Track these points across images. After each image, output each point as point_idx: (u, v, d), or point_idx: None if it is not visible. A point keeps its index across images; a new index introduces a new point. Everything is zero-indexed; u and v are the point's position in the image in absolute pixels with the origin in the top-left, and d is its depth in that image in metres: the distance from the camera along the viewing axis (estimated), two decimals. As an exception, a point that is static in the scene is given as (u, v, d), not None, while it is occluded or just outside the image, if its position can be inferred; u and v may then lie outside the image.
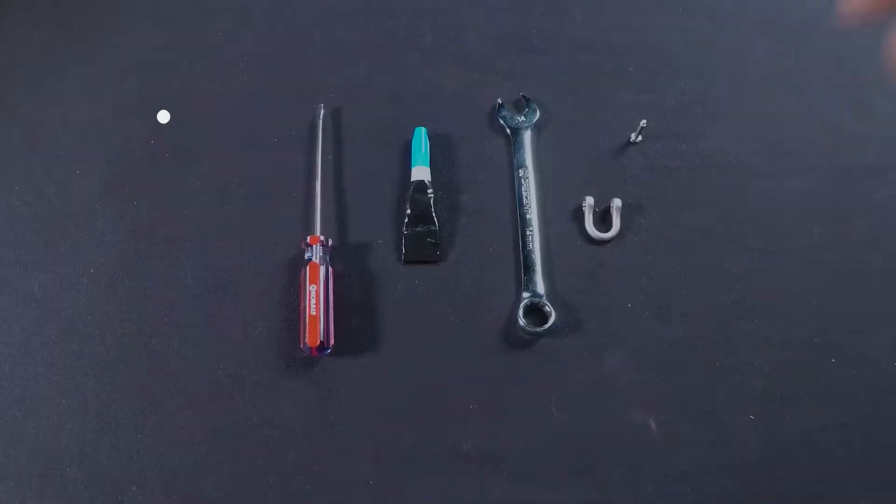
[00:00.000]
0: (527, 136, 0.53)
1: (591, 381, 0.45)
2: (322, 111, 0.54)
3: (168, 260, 0.49)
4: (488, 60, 0.57)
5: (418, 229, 0.49)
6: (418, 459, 0.43)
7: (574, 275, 0.48)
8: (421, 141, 0.52)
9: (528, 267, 0.48)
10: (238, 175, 0.53)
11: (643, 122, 0.51)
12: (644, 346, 0.46)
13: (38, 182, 0.53)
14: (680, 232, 0.50)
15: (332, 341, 0.45)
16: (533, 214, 0.50)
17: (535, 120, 0.54)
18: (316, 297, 0.45)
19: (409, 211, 0.50)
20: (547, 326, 0.46)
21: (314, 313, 0.44)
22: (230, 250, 0.50)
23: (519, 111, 0.54)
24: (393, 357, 0.46)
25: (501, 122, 0.54)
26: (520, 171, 0.52)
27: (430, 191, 0.50)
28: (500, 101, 0.55)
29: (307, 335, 0.44)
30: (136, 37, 0.59)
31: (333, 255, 0.49)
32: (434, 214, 0.50)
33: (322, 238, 0.48)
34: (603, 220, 0.50)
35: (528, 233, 0.49)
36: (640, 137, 0.53)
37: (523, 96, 0.55)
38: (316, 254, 0.47)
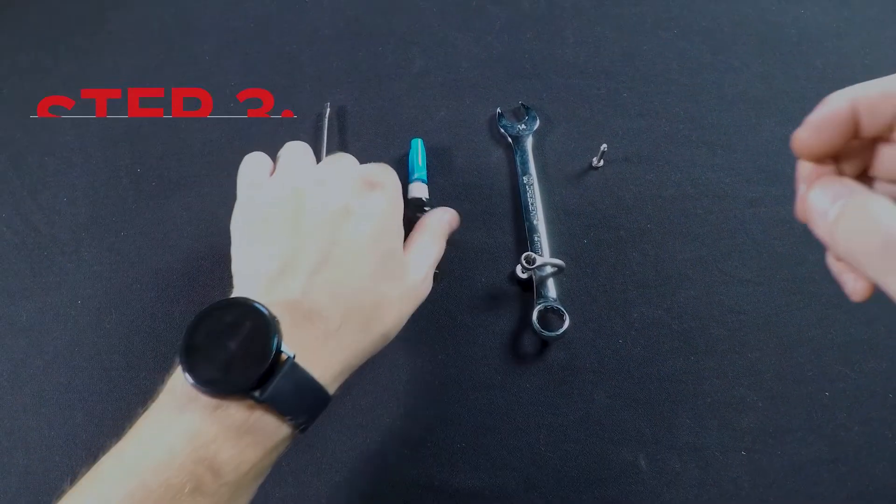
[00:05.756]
0: (528, 143, 0.53)
1: (579, 418, 0.45)
2: (328, 109, 0.55)
3: (155, 292, 0.49)
4: (479, 85, 0.57)
5: None
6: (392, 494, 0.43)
7: (565, 305, 0.48)
8: (417, 153, 0.52)
9: (541, 277, 0.48)
10: (225, 204, 0.52)
11: (604, 147, 0.51)
12: (634, 381, 0.45)
13: (25, 209, 0.53)
14: (673, 263, 0.49)
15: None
16: (539, 220, 0.50)
17: (535, 127, 0.54)
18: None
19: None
20: (562, 331, 0.46)
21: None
22: (218, 282, 0.49)
23: (519, 119, 0.54)
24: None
25: (502, 130, 0.54)
26: (524, 178, 0.52)
27: (427, 209, 0.49)
28: (499, 110, 0.55)
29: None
30: (124, 60, 0.59)
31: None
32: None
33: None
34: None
35: (535, 238, 0.49)
36: (601, 162, 0.52)
37: (522, 105, 0.55)
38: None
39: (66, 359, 0.47)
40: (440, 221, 0.44)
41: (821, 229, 0.26)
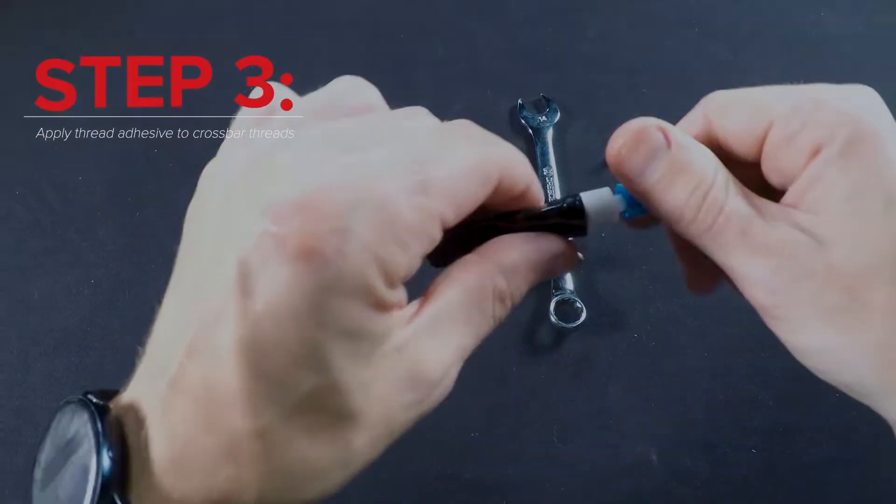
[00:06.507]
0: (549, 136, 0.53)
1: (593, 411, 0.45)
2: None
3: (169, 275, 0.49)
4: (499, 76, 0.57)
5: None
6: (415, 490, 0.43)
7: (581, 297, 0.48)
8: None
9: None
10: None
11: None
12: (647, 377, 0.45)
13: (40, 187, 0.52)
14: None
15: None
16: None
17: (556, 120, 0.54)
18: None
19: None
20: (578, 323, 0.46)
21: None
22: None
23: (539, 111, 0.55)
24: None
25: (523, 121, 0.54)
26: (544, 169, 0.52)
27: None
28: (520, 101, 0.55)
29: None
30: (141, 46, 0.59)
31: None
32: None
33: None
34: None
35: None
36: None
37: (543, 96, 0.55)
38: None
39: (78, 338, 0.47)
40: (518, 265, 0.22)
41: (635, 182, 0.20)
